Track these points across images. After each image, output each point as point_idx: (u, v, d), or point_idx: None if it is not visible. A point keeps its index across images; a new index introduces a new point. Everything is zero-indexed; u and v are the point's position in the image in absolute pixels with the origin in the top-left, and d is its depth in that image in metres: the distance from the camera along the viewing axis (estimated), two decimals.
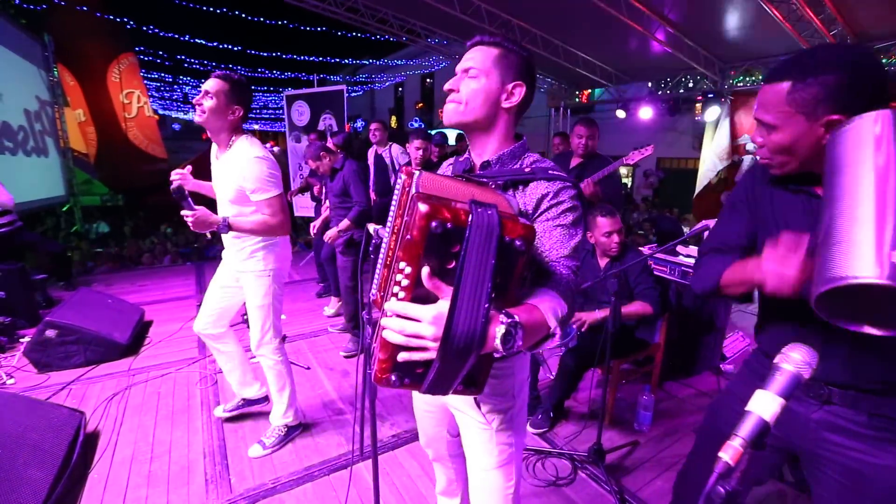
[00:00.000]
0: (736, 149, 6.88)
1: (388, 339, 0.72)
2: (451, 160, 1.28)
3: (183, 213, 1.88)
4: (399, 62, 14.57)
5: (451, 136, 6.95)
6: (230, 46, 11.50)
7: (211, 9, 9.25)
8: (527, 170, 1.04)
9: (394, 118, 17.69)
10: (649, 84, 8.12)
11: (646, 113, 7.78)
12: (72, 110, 8.70)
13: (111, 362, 3.09)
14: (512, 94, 1.05)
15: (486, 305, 0.69)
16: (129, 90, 9.36)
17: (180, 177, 2.00)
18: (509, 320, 0.72)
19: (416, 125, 15.40)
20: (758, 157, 1.06)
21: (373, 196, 4.27)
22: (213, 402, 2.62)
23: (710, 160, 7.10)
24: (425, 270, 0.69)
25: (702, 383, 2.94)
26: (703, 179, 7.24)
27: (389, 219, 0.96)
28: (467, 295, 0.68)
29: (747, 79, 6.70)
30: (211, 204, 2.08)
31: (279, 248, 2.12)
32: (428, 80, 16.98)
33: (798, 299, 0.85)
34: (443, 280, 0.71)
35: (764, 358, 1.13)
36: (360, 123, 16.06)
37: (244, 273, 2.08)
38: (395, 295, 0.73)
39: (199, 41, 11.06)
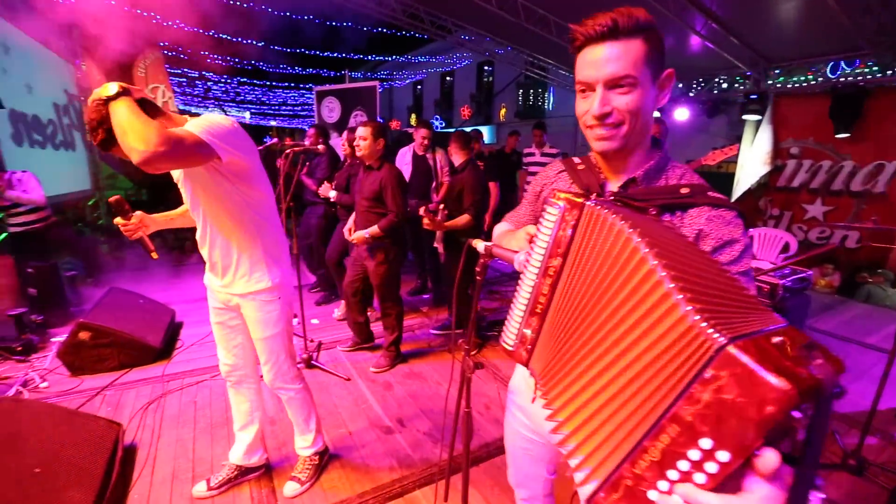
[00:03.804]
0: (779, 153, 6.58)
1: None
2: (558, 168, 1.08)
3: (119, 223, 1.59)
4: (421, 59, 14.40)
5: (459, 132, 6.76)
6: (253, 42, 11.46)
7: (237, 3, 9.18)
8: (683, 190, 0.85)
9: (413, 116, 17.55)
10: (679, 85, 7.83)
11: (682, 114, 7.49)
12: None
13: (144, 366, 2.98)
14: (665, 88, 0.85)
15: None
16: (155, 85, 9.31)
17: (135, 228, 1.61)
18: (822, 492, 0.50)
19: (435, 123, 15.27)
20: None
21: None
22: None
23: (751, 164, 6.80)
24: (771, 459, 0.43)
25: None
26: (741, 184, 6.95)
27: (538, 254, 0.79)
28: (805, 481, 0.47)
29: (791, 79, 6.40)
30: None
31: (284, 256, 1.75)
32: (448, 77, 16.81)
33: None
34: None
35: None
36: (378, 121, 15.95)
37: (244, 300, 1.67)
38: (688, 476, 0.48)
39: (223, 36, 11.03)
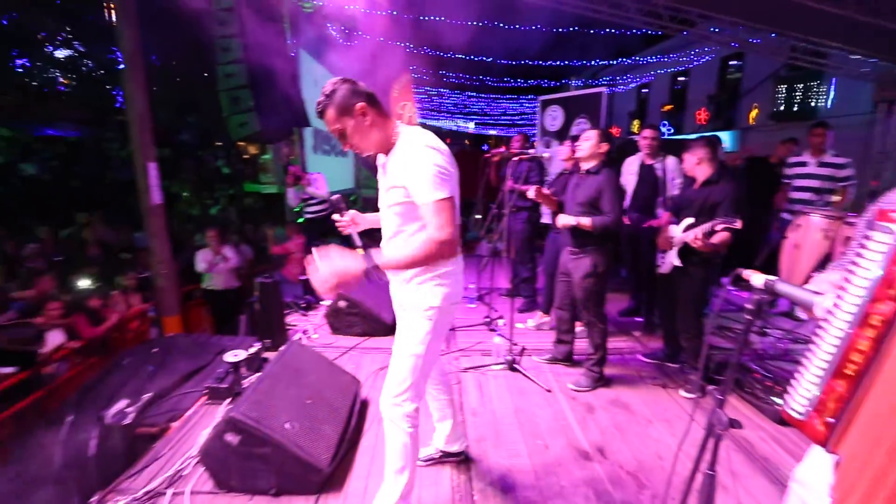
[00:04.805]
0: None
1: None
2: None
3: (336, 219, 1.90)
4: (651, 59, 13.22)
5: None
6: (483, 58, 12.53)
7: (471, 23, 10.17)
8: None
9: (636, 122, 16.25)
10: None
11: None
12: None
13: (377, 338, 3.57)
14: None
15: None
16: (404, 102, 11.19)
17: (347, 224, 1.89)
18: None
19: (662, 129, 13.79)
20: None
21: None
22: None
23: None
24: None
25: None
26: None
27: (854, 295, 0.59)
28: None
29: None
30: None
31: (455, 281, 1.66)
32: (680, 77, 14.94)
33: None
34: None
35: None
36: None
37: (406, 310, 1.69)
38: None
39: (458, 56, 12.43)
